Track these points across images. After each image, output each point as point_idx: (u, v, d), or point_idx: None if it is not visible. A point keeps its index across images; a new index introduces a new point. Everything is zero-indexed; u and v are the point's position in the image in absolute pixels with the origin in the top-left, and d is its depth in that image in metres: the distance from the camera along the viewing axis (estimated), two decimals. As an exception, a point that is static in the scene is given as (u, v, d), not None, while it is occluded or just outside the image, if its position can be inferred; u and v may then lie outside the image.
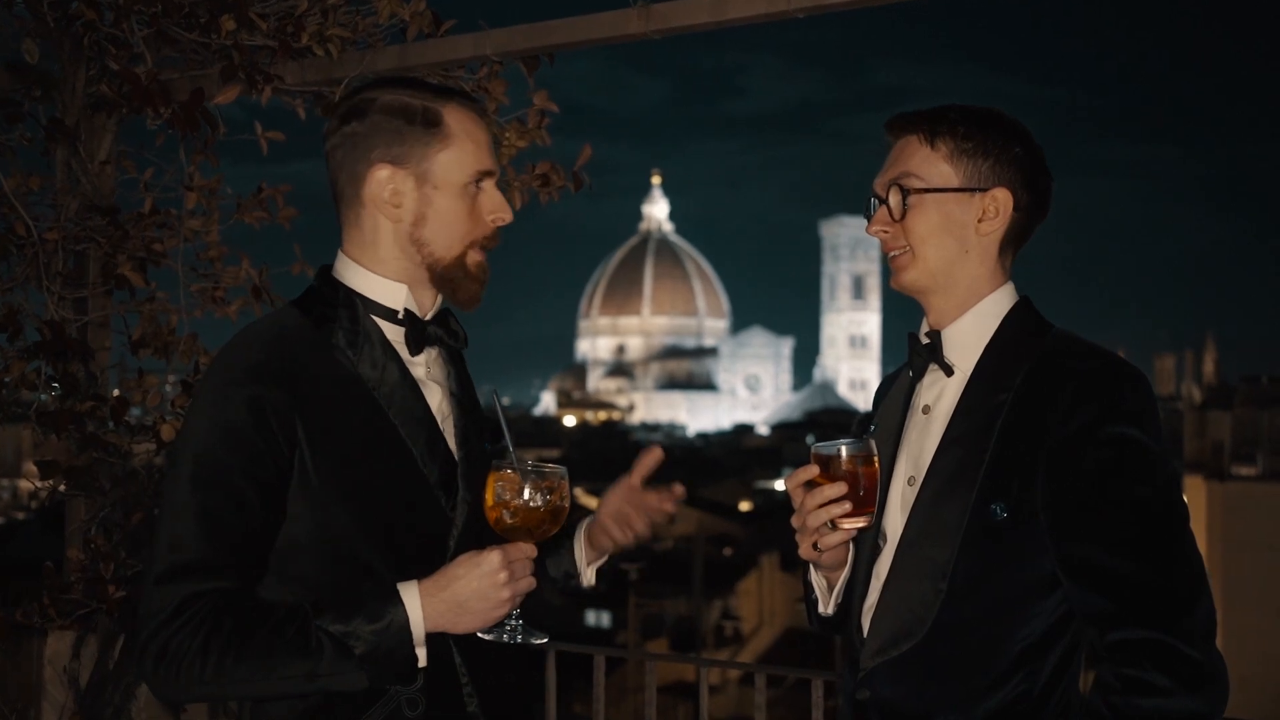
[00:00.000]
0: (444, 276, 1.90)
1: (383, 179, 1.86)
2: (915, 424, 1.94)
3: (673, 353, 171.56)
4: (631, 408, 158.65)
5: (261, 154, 3.67)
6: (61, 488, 3.63)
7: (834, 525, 1.83)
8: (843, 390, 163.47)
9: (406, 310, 1.90)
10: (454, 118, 1.89)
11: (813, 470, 1.84)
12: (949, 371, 1.91)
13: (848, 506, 1.81)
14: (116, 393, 3.71)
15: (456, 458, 1.89)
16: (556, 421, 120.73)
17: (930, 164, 1.90)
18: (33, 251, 3.56)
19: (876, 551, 1.92)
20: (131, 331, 3.69)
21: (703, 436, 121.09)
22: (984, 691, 1.79)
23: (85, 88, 3.65)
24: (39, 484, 3.66)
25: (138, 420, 3.71)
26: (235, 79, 3.46)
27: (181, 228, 3.67)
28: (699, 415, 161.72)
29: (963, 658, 1.81)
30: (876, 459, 1.84)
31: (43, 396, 3.61)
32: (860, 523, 1.83)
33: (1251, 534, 27.59)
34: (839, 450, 1.83)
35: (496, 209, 1.92)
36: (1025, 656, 1.79)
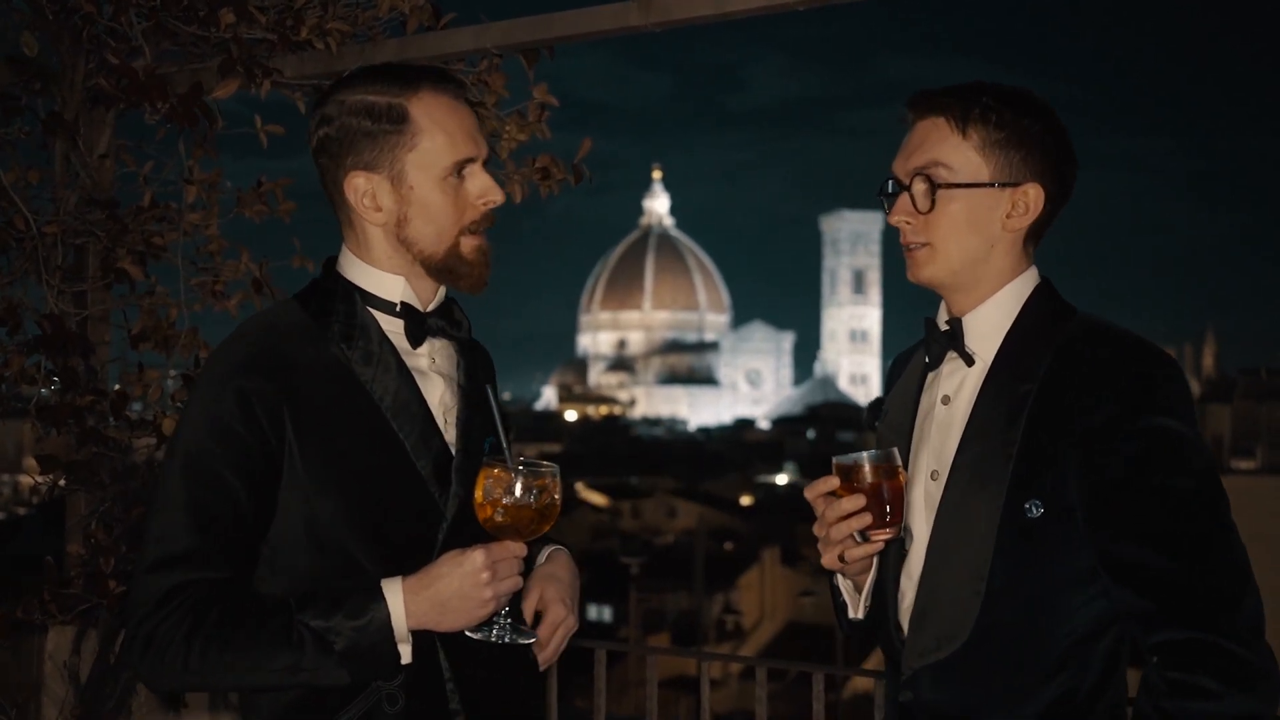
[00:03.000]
0: (440, 269, 1.87)
1: (359, 186, 1.84)
2: (935, 416, 1.86)
3: (674, 347, 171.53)
4: (633, 402, 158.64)
5: (261, 148, 3.67)
6: (61, 482, 3.62)
7: (864, 537, 1.77)
8: (843, 384, 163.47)
9: (404, 303, 1.88)
10: (421, 109, 1.83)
11: (833, 482, 1.78)
12: (970, 361, 1.83)
13: (869, 519, 1.75)
14: (117, 387, 3.70)
15: (454, 451, 1.87)
16: (558, 416, 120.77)
17: (960, 153, 1.80)
18: (32, 245, 3.55)
19: (904, 550, 1.86)
20: (131, 325, 3.69)
21: (704, 431, 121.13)
22: (1032, 690, 1.74)
23: (84, 81, 3.64)
24: (39, 479, 3.65)
25: (138, 415, 3.70)
26: (234, 73, 3.45)
27: (181, 221, 3.66)
28: (700, 410, 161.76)
29: (1008, 657, 1.75)
30: (901, 470, 1.77)
31: (43, 391, 3.60)
32: (887, 535, 1.77)
33: (1251, 528, 27.46)
34: (861, 461, 1.76)
35: (485, 192, 1.87)
36: (1072, 652, 1.74)
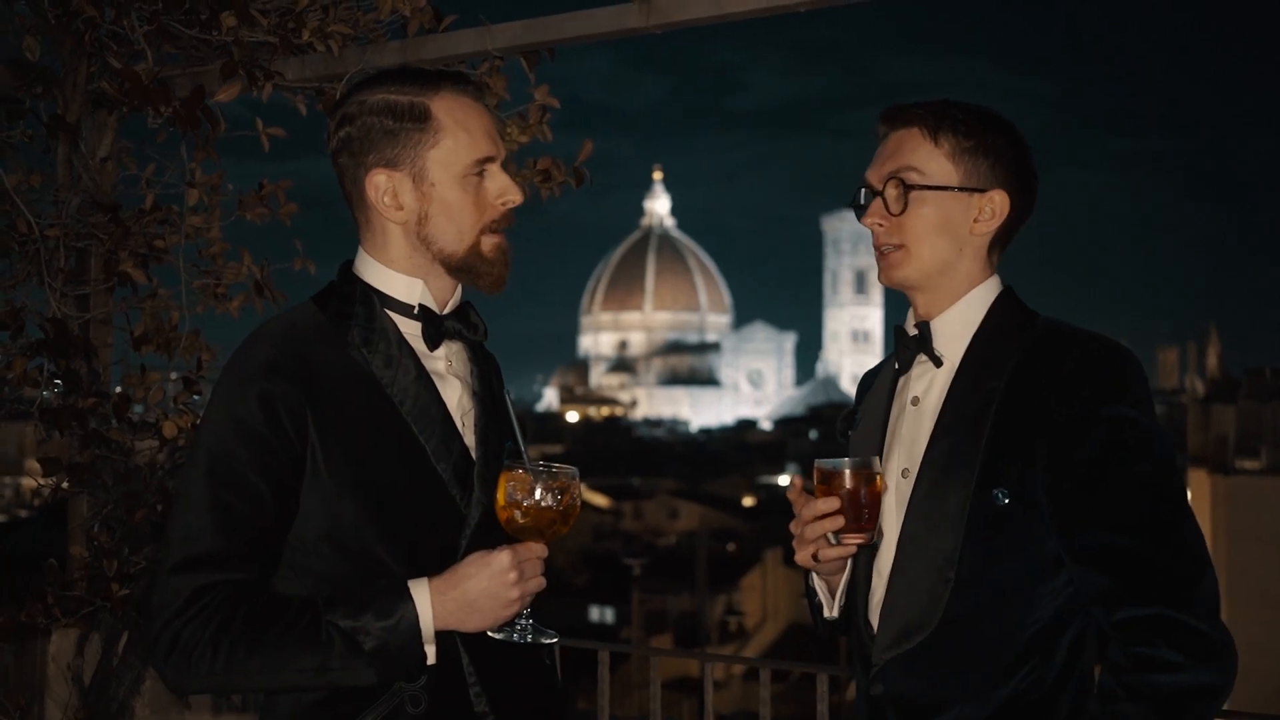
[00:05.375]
0: (460, 268, 1.89)
1: (380, 184, 1.86)
2: (906, 417, 1.94)
3: (675, 348, 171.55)
4: (634, 403, 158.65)
5: (263, 150, 3.67)
6: (64, 485, 3.63)
7: (836, 539, 1.84)
8: (845, 385, 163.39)
9: (422, 305, 1.90)
10: (443, 108, 1.86)
11: (815, 485, 1.85)
12: (938, 363, 1.91)
13: (842, 522, 1.82)
14: (119, 390, 3.71)
15: (474, 456, 1.88)
16: (559, 417, 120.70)
17: (933, 160, 1.90)
18: (34, 249, 3.56)
19: (875, 547, 1.92)
20: (133, 328, 3.70)
21: (705, 432, 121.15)
22: (1000, 678, 1.80)
23: (86, 84, 3.65)
24: (42, 481, 3.66)
25: (140, 417, 3.71)
26: (236, 76, 3.45)
27: (183, 224, 3.67)
28: (702, 410, 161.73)
29: (976, 646, 1.82)
30: (880, 478, 1.84)
31: (45, 394, 3.61)
32: (860, 539, 1.84)
33: (1255, 527, 27.56)
34: (842, 467, 1.83)
35: (504, 191, 1.89)
36: (1038, 640, 1.81)
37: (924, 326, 1.94)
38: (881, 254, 1.94)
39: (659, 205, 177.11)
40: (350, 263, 1.95)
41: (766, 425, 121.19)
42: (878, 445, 1.95)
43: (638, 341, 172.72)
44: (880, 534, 1.91)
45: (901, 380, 1.97)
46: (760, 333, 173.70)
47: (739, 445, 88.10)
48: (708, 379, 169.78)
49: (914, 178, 1.90)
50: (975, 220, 1.91)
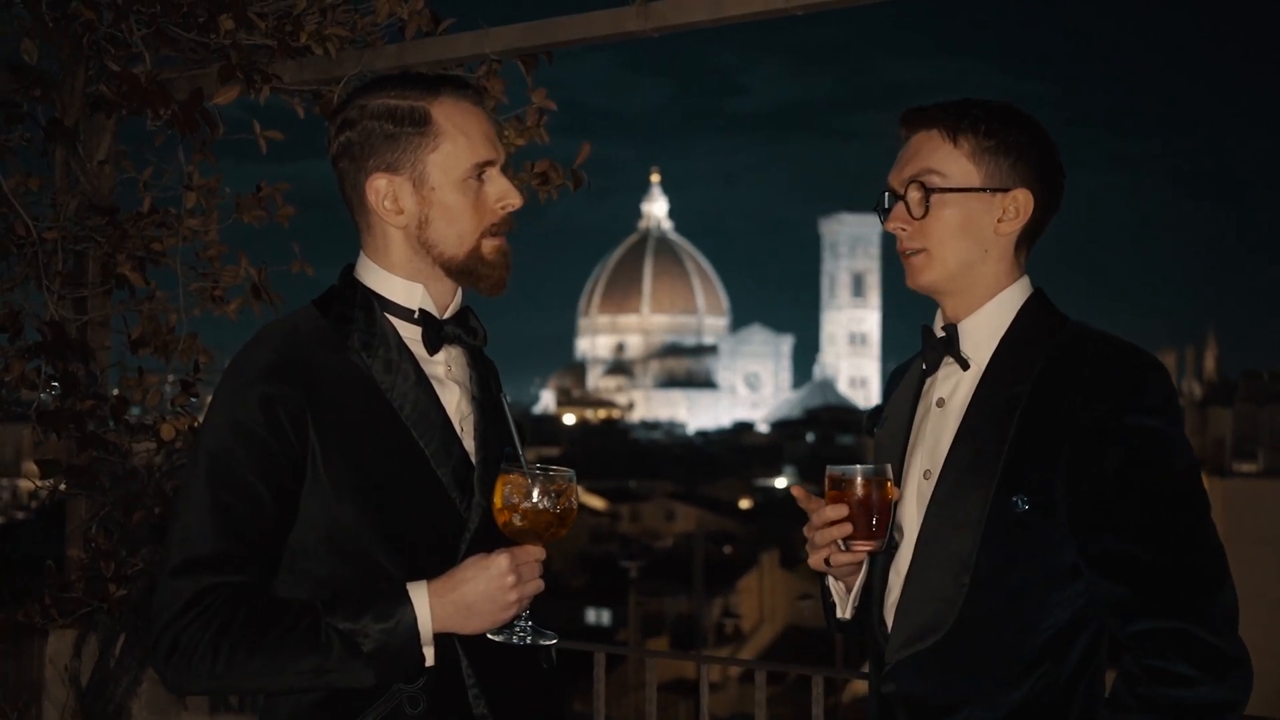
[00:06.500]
0: (461, 271, 1.90)
1: (381, 188, 1.87)
2: (930, 418, 1.93)
3: (672, 351, 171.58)
4: (631, 406, 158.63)
5: (260, 153, 3.68)
6: (62, 487, 3.64)
7: (846, 546, 1.84)
8: (843, 388, 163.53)
9: (422, 310, 1.91)
10: (443, 112, 1.87)
11: (826, 492, 1.86)
12: (965, 365, 1.90)
13: (851, 530, 1.82)
14: (116, 392, 3.72)
15: (474, 460, 1.89)
16: (556, 420, 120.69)
17: (953, 161, 1.88)
18: (32, 251, 3.57)
19: (894, 547, 1.92)
20: (131, 331, 3.70)
21: (702, 434, 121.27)
22: (1011, 682, 1.80)
23: (84, 87, 3.66)
24: (39, 483, 3.67)
25: (137, 419, 3.72)
26: (234, 79, 3.46)
27: (180, 227, 3.68)
28: (699, 413, 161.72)
29: (989, 649, 1.81)
30: (891, 485, 1.85)
31: (43, 396, 3.62)
32: (869, 547, 1.84)
33: (1253, 530, 27.56)
34: (853, 474, 1.83)
35: (504, 195, 1.90)
36: (1051, 645, 1.80)
37: (951, 329, 1.92)
38: (905, 258, 1.92)
39: (656, 208, 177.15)
40: (352, 266, 1.96)
41: (763, 428, 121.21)
42: (902, 445, 1.94)
43: (635, 344, 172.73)
44: (901, 534, 1.90)
45: (928, 381, 1.96)
46: (757, 335, 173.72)
47: (736, 448, 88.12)
48: (705, 382, 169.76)
49: (935, 180, 1.87)
50: (999, 220, 1.88)
